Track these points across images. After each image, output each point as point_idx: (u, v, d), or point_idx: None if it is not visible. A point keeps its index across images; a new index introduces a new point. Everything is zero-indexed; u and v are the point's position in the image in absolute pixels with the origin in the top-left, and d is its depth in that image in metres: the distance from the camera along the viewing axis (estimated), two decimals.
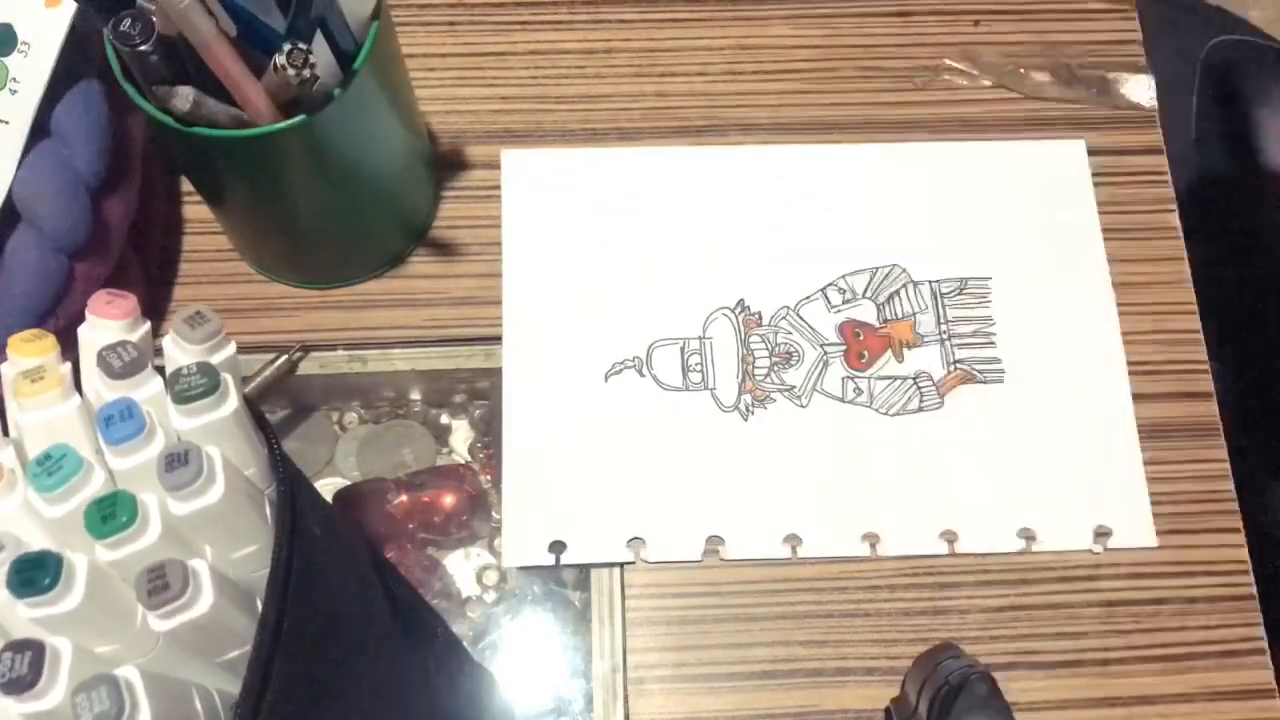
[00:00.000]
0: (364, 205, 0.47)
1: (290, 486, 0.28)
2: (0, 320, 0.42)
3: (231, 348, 0.28)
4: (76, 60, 0.43)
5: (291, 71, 0.37)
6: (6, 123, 0.42)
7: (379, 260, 0.51)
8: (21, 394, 0.26)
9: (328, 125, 0.40)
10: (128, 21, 0.36)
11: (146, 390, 0.27)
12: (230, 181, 0.45)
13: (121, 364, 0.27)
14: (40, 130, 0.42)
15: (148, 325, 0.29)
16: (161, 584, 0.24)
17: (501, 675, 0.46)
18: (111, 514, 0.24)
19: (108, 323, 0.28)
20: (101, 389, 0.27)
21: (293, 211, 0.46)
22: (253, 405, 0.29)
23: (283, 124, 0.39)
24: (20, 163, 0.42)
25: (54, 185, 0.43)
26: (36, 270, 0.42)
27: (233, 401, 0.27)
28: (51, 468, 0.25)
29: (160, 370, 0.28)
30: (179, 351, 0.28)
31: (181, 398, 0.26)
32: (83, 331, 0.28)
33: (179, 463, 0.25)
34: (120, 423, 0.25)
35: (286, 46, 0.37)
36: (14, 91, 0.42)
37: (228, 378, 0.27)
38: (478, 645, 0.47)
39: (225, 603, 0.25)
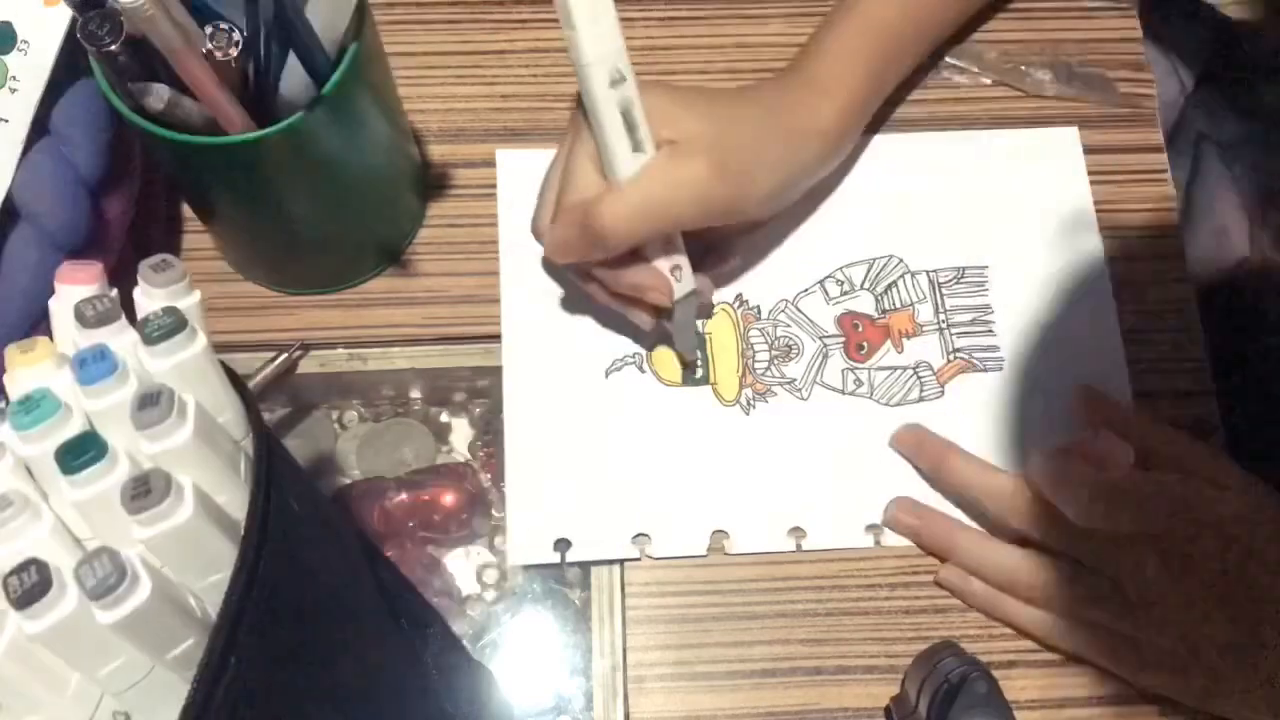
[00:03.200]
0: (342, 213, 0.47)
1: (266, 444, 0.29)
2: (1, 321, 0.43)
3: (196, 295, 0.29)
4: (77, 58, 0.43)
5: (219, 54, 0.38)
6: (6, 121, 0.42)
7: (360, 268, 0.51)
8: (14, 364, 0.27)
9: (300, 136, 0.40)
10: (96, 21, 0.36)
11: (120, 340, 0.28)
12: (203, 185, 0.45)
13: (94, 313, 0.28)
14: (41, 128, 0.42)
15: (115, 291, 0.29)
16: (144, 490, 0.25)
17: (501, 673, 0.46)
18: (80, 450, 0.25)
19: (76, 289, 0.29)
20: (78, 339, 0.28)
21: (267, 217, 0.46)
22: (229, 368, 0.30)
23: (252, 134, 0.39)
24: (20, 161, 0.42)
25: (54, 183, 0.43)
26: (36, 268, 0.42)
27: (201, 340, 0.28)
28: (30, 407, 0.26)
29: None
30: (146, 300, 0.29)
31: (151, 339, 0.27)
32: (53, 303, 0.29)
33: (151, 402, 0.26)
34: (93, 364, 0.26)
35: (209, 29, 0.37)
36: (14, 90, 0.42)
37: (195, 320, 0.28)
38: (477, 644, 0.47)
39: (204, 518, 0.26)
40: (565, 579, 0.48)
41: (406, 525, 0.48)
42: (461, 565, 0.49)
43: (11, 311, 0.42)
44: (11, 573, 0.24)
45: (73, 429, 0.26)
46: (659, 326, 0.47)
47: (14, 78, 0.42)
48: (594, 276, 0.45)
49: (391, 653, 0.39)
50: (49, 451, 0.25)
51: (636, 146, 0.42)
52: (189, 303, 0.29)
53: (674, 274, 0.45)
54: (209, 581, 0.27)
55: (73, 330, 0.28)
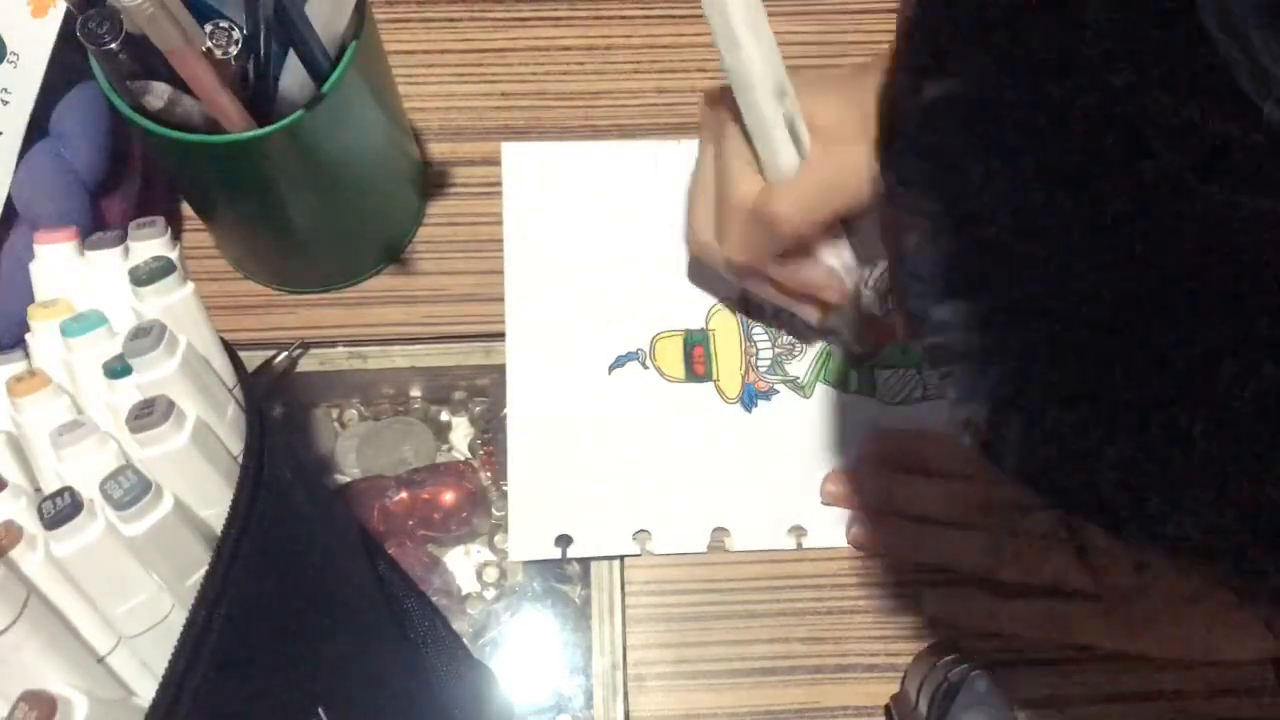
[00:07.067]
0: (342, 211, 0.47)
1: (258, 407, 0.31)
2: (1, 320, 0.43)
3: (178, 251, 0.32)
4: (74, 61, 0.43)
5: (218, 52, 0.38)
6: (1, 133, 0.42)
7: (360, 266, 0.51)
8: (35, 317, 0.30)
9: (300, 134, 0.40)
10: (95, 19, 0.36)
11: (114, 265, 0.31)
12: (202, 183, 0.45)
13: (98, 237, 0.31)
14: (40, 131, 0.42)
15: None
16: (148, 412, 0.27)
17: (501, 672, 0.46)
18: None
19: (52, 247, 0.31)
20: (81, 263, 0.32)
21: (266, 215, 0.46)
22: (226, 343, 0.32)
23: (252, 133, 0.39)
24: (18, 165, 0.42)
25: (53, 185, 0.43)
26: None
27: (188, 286, 0.31)
28: (80, 319, 0.29)
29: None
30: (136, 257, 0.32)
31: (140, 279, 0.29)
32: (33, 266, 0.32)
33: (142, 334, 0.28)
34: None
35: (209, 27, 0.37)
36: (5, 102, 0.42)
37: (180, 267, 0.30)
38: (478, 642, 0.47)
39: (199, 452, 0.28)
40: (565, 577, 0.48)
41: (406, 524, 0.49)
42: (461, 564, 0.49)
43: (13, 312, 0.42)
44: (46, 498, 0.25)
45: (115, 346, 0.29)
46: (825, 322, 0.48)
47: (5, 90, 0.42)
48: (766, 276, 0.45)
49: (391, 649, 0.39)
50: (92, 359, 0.29)
51: (801, 151, 0.42)
52: (173, 256, 0.31)
53: (845, 271, 0.45)
54: (202, 515, 0.28)
55: (59, 281, 0.31)
